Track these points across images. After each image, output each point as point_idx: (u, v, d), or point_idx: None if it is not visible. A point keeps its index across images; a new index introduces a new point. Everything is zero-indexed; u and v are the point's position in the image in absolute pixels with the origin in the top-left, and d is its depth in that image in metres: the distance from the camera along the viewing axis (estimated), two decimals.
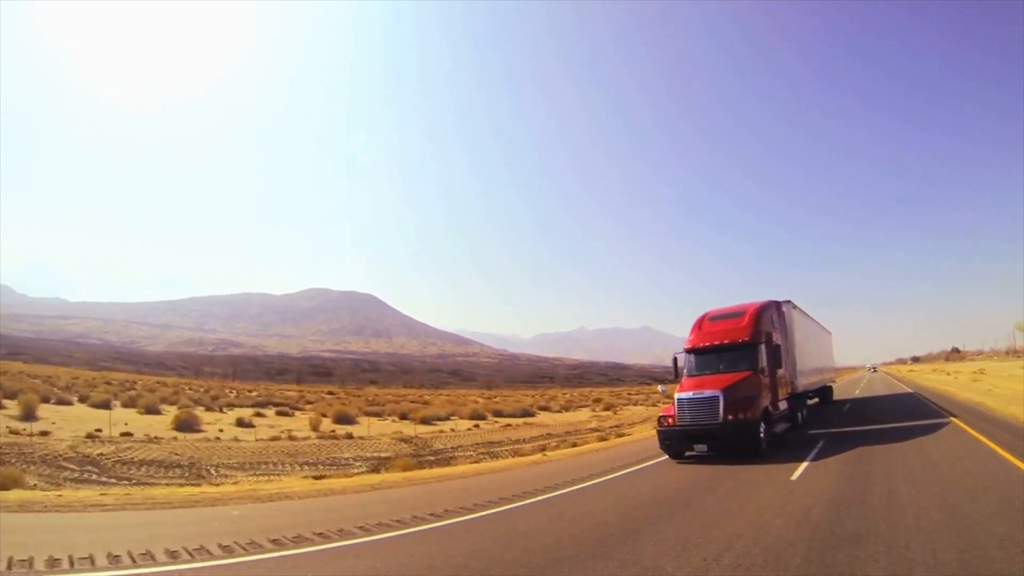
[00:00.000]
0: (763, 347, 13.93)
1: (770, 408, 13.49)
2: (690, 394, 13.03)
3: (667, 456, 13.48)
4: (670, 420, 13.25)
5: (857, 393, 35.84)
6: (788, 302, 17.40)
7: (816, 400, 25.99)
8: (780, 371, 14.73)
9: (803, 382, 18.07)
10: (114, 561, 6.16)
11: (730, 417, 12.28)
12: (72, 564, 5.99)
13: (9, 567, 5.83)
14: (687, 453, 13.21)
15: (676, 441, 13.16)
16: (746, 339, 13.87)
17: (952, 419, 16.91)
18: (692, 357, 14.73)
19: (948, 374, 60.45)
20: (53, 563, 5.96)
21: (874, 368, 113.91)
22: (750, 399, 12.73)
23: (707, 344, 14.42)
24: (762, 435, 12.58)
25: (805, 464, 11.02)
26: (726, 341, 14.11)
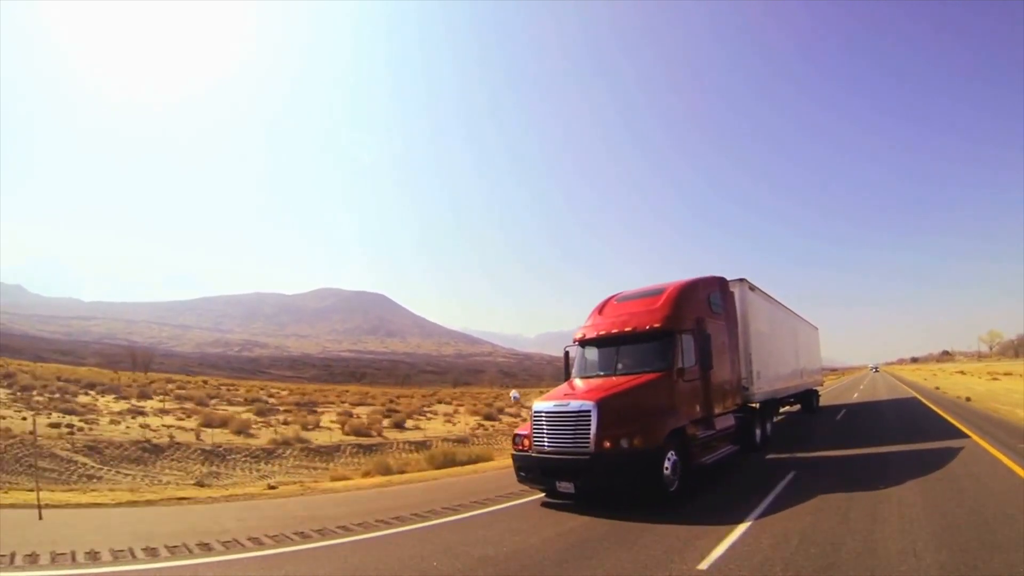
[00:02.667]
0: (686, 338, 8.90)
1: (692, 429, 8.46)
2: (551, 405, 8.08)
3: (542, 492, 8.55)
4: (526, 442, 8.30)
5: (855, 397, 30.10)
6: (741, 281, 12.30)
7: (797, 407, 20.80)
8: (718, 372, 9.75)
9: (766, 388, 12.94)
10: None
11: (607, 444, 7.32)
12: None
13: None
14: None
15: (533, 473, 8.17)
16: (657, 326, 8.83)
17: (970, 437, 11.72)
18: (585, 351, 9.82)
19: (964, 374, 54.60)
20: None
21: (876, 368, 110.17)
22: (648, 416, 7.72)
23: (603, 333, 9.43)
24: (668, 471, 7.61)
25: (740, 530, 6.05)
26: (627, 329, 9.10)
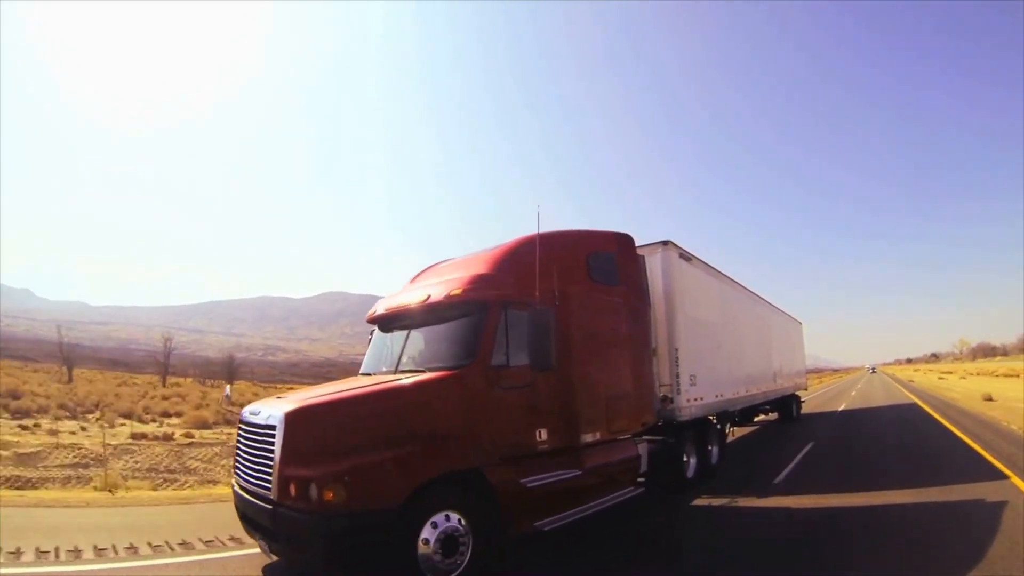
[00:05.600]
0: (515, 316, 4.91)
1: (508, 472, 4.50)
2: (247, 412, 4.62)
3: None
4: None
5: (845, 405, 24.70)
6: (666, 244, 8.19)
7: (774, 416, 16.62)
8: (601, 373, 5.77)
9: (709, 398, 8.80)
10: None
11: (293, 490, 3.69)
12: None
13: None
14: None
15: (240, 515, 4.60)
16: (456, 293, 4.90)
17: (1010, 479, 7.53)
18: (387, 337, 5.87)
19: (978, 377, 49.82)
20: None
21: (873, 369, 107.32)
22: (385, 447, 3.96)
23: (390, 309, 5.66)
24: (432, 550, 3.82)
25: None
26: (415, 304, 5.23)
